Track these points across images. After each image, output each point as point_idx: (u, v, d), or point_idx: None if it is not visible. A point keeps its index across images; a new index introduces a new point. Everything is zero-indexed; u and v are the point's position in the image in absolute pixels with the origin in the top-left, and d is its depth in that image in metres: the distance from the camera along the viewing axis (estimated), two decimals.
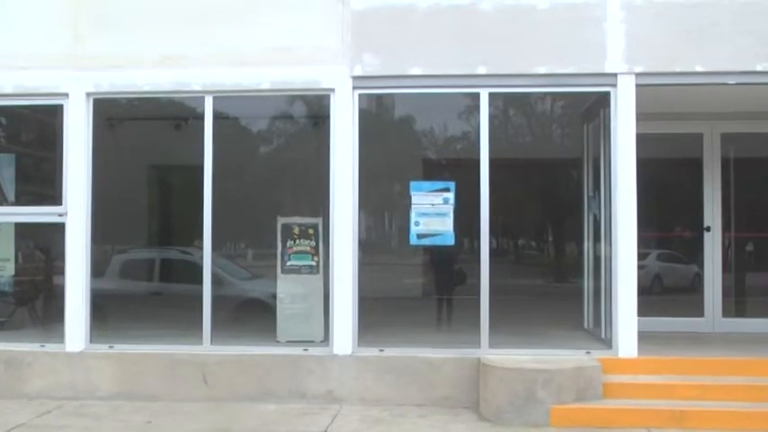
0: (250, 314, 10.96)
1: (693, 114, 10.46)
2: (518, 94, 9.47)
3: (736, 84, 8.71)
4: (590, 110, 10.01)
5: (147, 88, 9.06)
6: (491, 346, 8.60)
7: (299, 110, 12.37)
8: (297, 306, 9.27)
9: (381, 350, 8.71)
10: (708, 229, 10.79)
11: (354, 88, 8.81)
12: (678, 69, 8.58)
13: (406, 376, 8.51)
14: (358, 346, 8.71)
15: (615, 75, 8.59)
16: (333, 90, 8.83)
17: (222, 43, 8.90)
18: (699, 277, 10.99)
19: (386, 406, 8.37)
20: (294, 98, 11.08)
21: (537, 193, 18.34)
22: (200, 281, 9.01)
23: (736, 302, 11.06)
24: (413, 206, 8.90)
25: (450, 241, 8.92)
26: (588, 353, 8.61)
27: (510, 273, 18.11)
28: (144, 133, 12.45)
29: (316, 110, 10.72)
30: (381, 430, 7.55)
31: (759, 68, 8.56)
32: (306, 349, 8.84)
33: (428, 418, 7.95)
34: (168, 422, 7.90)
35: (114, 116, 10.78)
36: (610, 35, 8.57)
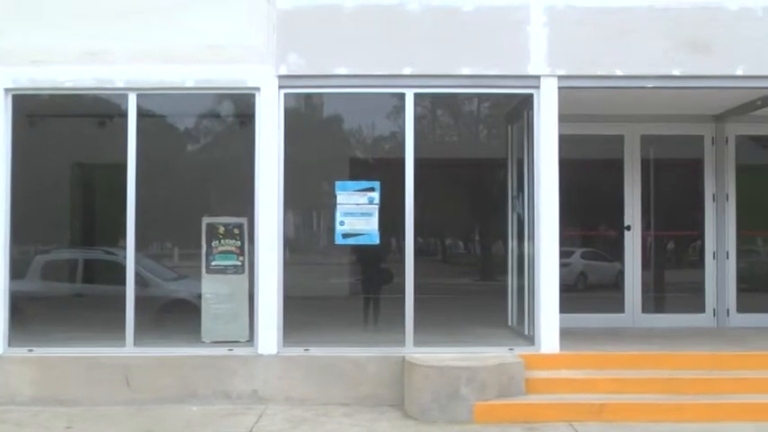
0: (175, 315, 10.81)
1: (614, 117, 10.74)
2: (443, 94, 9.58)
3: (655, 87, 8.96)
4: (514, 111, 10.18)
5: (68, 84, 8.87)
6: (416, 344, 8.69)
7: (226, 108, 12.27)
8: (222, 306, 9.18)
9: (307, 349, 8.71)
10: (628, 228, 11.08)
11: (280, 87, 8.79)
12: (599, 73, 8.78)
13: (332, 375, 8.53)
14: (283, 345, 8.70)
15: (538, 77, 8.75)
16: (258, 89, 8.79)
17: (147, 40, 8.78)
18: (622, 274, 11.29)
19: (311, 405, 8.38)
20: (221, 97, 10.97)
21: (464, 193, 18.49)
22: (124, 281, 8.88)
23: (655, 298, 11.38)
24: (338, 206, 8.92)
25: (375, 240, 8.97)
26: (511, 349, 8.76)
27: (437, 272, 18.24)
28: (67, 131, 12.19)
29: (243, 109, 10.63)
30: (306, 430, 7.55)
31: (676, 73, 8.82)
32: (231, 349, 8.79)
33: (353, 417, 7.98)
34: (90, 426, 7.77)
35: (36, 113, 10.53)
36: (533, 38, 8.72)
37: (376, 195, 8.90)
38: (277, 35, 8.74)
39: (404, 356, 8.42)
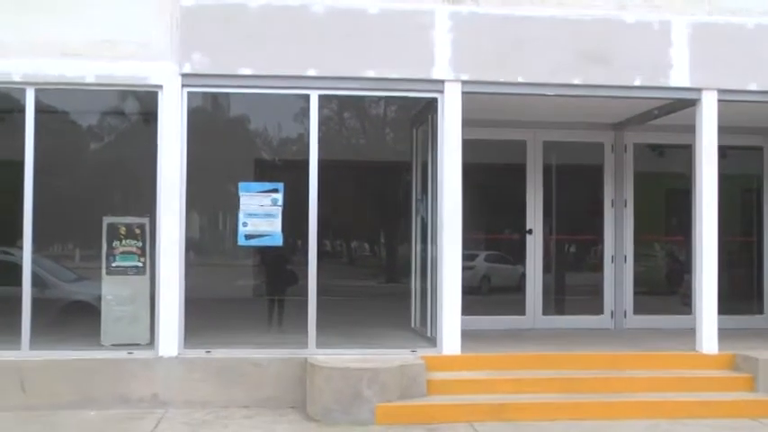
0: (75, 317, 10.56)
1: (518, 122, 10.96)
2: (348, 96, 9.62)
3: (555, 95, 9.18)
4: (419, 115, 10.28)
5: None
6: (319, 346, 8.67)
7: (130, 106, 12.08)
8: (123, 308, 9.00)
9: (208, 351, 8.61)
10: (530, 231, 11.31)
11: (183, 86, 8.66)
12: (501, 79, 8.93)
13: (233, 377, 8.44)
14: (184, 347, 8.56)
15: (442, 81, 8.85)
16: (161, 87, 8.64)
17: (45, 33, 8.52)
18: (524, 277, 11.50)
19: (212, 408, 8.26)
20: (125, 94, 10.80)
21: (370, 196, 18.61)
22: (20, 282, 8.60)
23: (556, 301, 11.67)
24: (241, 207, 8.84)
25: (279, 242, 8.92)
26: (413, 351, 8.83)
27: (342, 274, 18.29)
28: None
29: (147, 106, 10.44)
30: None
31: (576, 82, 9.05)
32: (130, 352, 8.61)
33: (254, 419, 7.92)
34: None
35: None
36: (438, 43, 8.81)
37: (280, 197, 8.86)
38: (180, 33, 8.61)
39: (306, 358, 8.39)
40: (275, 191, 8.88)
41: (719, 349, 9.17)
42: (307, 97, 8.91)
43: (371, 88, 9.06)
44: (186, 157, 8.66)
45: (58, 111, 11.59)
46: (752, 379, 8.68)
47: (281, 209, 8.84)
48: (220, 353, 8.61)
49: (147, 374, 8.43)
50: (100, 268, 9.06)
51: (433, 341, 9.05)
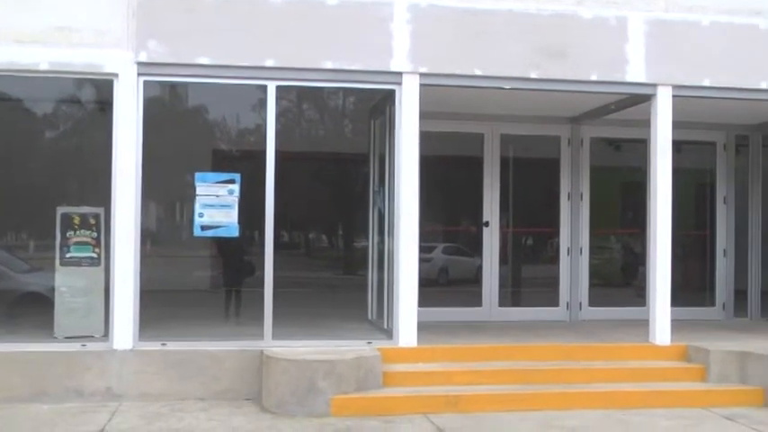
0: (28, 309, 10.40)
1: (475, 115, 11.01)
2: (306, 87, 9.57)
3: (512, 89, 9.23)
4: (377, 107, 10.28)
5: None
6: (275, 338, 8.64)
7: (86, 94, 11.90)
8: (77, 300, 8.86)
9: (164, 344, 8.52)
10: (487, 224, 11.37)
11: (139, 75, 8.54)
12: (459, 72, 8.96)
13: (189, 370, 8.38)
14: (139, 340, 8.46)
15: (400, 73, 8.84)
16: (116, 75, 8.51)
17: None
18: (482, 269, 11.55)
19: (167, 401, 8.20)
20: (82, 82, 10.61)
21: (328, 187, 18.55)
22: None
23: (512, 293, 11.77)
24: (197, 197, 8.75)
25: (235, 233, 8.85)
26: (370, 343, 8.85)
27: (300, 265, 18.20)
28: None
29: (104, 95, 10.30)
30: (161, 426, 7.39)
31: (533, 76, 9.11)
32: (84, 345, 8.49)
33: (209, 412, 7.88)
34: None
35: None
36: (396, 35, 8.80)
37: (236, 187, 8.79)
38: (137, 21, 8.49)
39: (262, 350, 8.36)
40: (232, 181, 8.82)
41: (672, 340, 9.33)
42: (264, 88, 8.84)
43: (329, 80, 9.00)
44: (142, 146, 8.54)
45: (12, 98, 11.39)
46: (703, 369, 8.84)
47: (237, 199, 8.78)
48: (176, 345, 8.53)
49: (101, 367, 8.33)
50: (54, 259, 8.94)
51: (389, 333, 9.07)
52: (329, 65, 8.71)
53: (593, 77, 9.23)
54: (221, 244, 11.55)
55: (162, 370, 8.37)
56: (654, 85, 9.36)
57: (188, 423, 7.51)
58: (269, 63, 8.63)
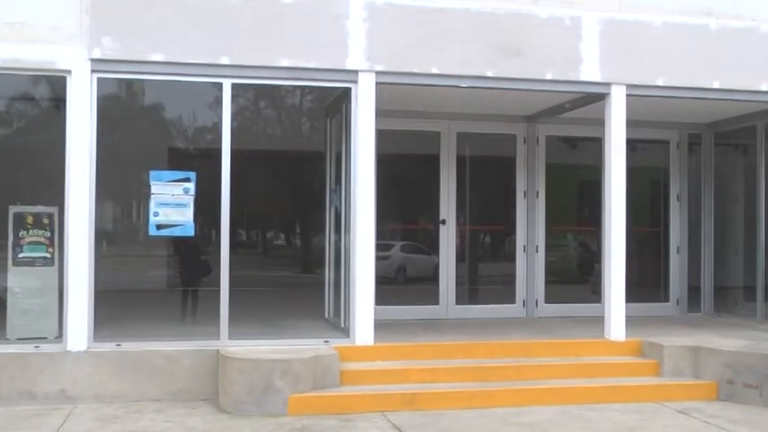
0: None
1: (432, 114, 11.05)
2: (262, 85, 9.49)
3: (469, 87, 9.27)
4: (333, 105, 10.26)
5: None
6: (231, 337, 8.58)
7: (40, 91, 11.68)
8: (30, 301, 8.71)
9: (119, 345, 8.42)
10: (443, 222, 11.41)
11: (93, 71, 8.42)
12: (415, 70, 8.97)
13: (144, 371, 8.30)
14: (94, 341, 8.35)
15: (356, 72, 8.82)
16: (69, 72, 8.39)
17: None
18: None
19: (123, 402, 8.12)
20: (37, 78, 10.42)
21: (286, 186, 18.51)
22: None
23: (469, 290, 11.83)
24: (152, 196, 8.66)
25: (190, 232, 8.77)
26: (327, 342, 8.83)
27: (257, 264, 18.14)
28: None
29: (58, 92, 10.16)
30: (116, 428, 7.29)
31: (489, 74, 9.16)
32: (37, 346, 8.36)
33: (165, 413, 7.80)
34: None
35: None
36: (352, 33, 8.79)
37: (192, 186, 8.71)
38: (91, 17, 8.37)
39: (219, 350, 8.31)
40: (187, 180, 8.73)
41: (627, 336, 9.45)
42: (220, 86, 8.78)
43: (285, 78, 8.95)
44: (97, 144, 8.44)
45: None
46: (657, 364, 8.97)
47: (193, 198, 8.70)
48: (131, 346, 8.44)
49: (55, 369, 8.21)
50: (6, 259, 8.78)
51: (346, 331, 9.06)
52: (285, 63, 8.67)
53: (549, 76, 9.31)
54: (177, 243, 11.45)
55: (117, 371, 8.28)
56: (608, 84, 9.47)
57: (144, 425, 7.43)
58: (224, 60, 8.56)
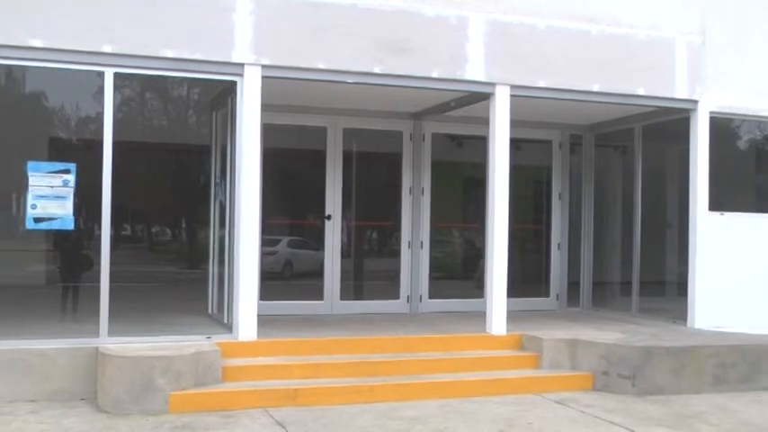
0: None
1: (318, 109, 11.04)
2: (145, 76, 9.21)
3: (355, 83, 9.29)
4: (218, 98, 10.13)
5: None
6: (111, 334, 8.35)
7: None
8: None
9: None
10: (329, 217, 11.42)
11: None
12: (302, 65, 8.93)
13: (18, 370, 7.93)
14: None
15: (242, 65, 8.72)
16: None
17: None
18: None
19: None
20: None
21: (172, 179, 18.17)
22: None
23: (354, 286, 11.88)
24: (30, 188, 8.32)
25: (70, 226, 8.48)
26: (209, 338, 8.71)
27: (142, 259, 17.77)
28: None
29: None
30: None
31: (376, 71, 9.20)
32: None
33: (40, 414, 7.51)
34: None
35: None
36: (238, 25, 8.68)
37: (71, 178, 8.42)
38: None
39: (97, 347, 8.06)
40: (67, 171, 8.43)
41: (508, 330, 9.68)
42: (102, 74, 8.52)
43: (170, 68, 8.72)
44: None
45: None
46: (537, 357, 9.22)
47: (72, 190, 8.42)
48: (4, 344, 8.06)
49: None
50: None
51: (229, 327, 8.97)
52: (169, 53, 8.48)
53: (435, 74, 9.43)
54: (58, 237, 11.09)
55: None
56: (492, 84, 9.66)
57: (16, 427, 7.13)
58: (106, 49, 8.29)
